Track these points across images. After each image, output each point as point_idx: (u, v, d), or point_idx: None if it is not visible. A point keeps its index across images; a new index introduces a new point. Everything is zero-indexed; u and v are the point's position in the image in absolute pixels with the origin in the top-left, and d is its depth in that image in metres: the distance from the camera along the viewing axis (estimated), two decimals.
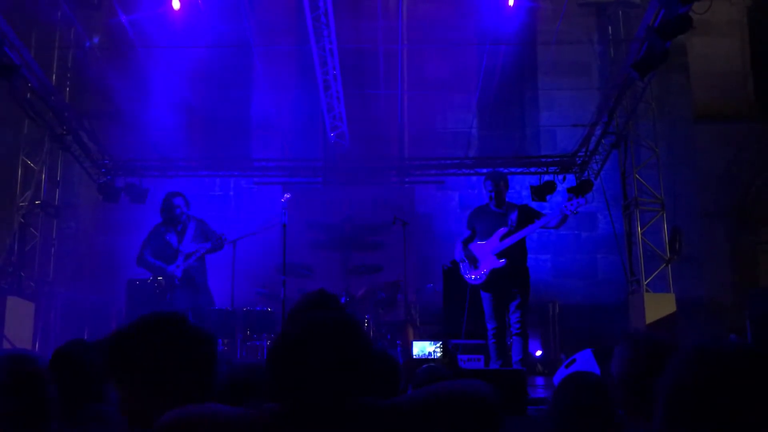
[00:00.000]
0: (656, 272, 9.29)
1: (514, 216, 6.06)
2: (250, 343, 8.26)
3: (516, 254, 6.04)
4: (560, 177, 10.44)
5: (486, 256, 6.07)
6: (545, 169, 10.62)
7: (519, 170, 10.50)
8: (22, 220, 9.66)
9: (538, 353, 9.90)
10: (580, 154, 10.47)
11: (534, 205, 7.92)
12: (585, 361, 5.11)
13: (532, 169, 10.63)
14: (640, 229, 9.46)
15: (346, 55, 10.25)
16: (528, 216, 6.08)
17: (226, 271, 8.36)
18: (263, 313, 8.29)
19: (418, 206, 11.26)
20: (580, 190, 10.13)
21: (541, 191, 10.16)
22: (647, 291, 9.15)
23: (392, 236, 9.99)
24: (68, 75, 10.17)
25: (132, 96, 11.16)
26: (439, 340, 7.90)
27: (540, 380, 8.51)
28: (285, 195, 7.38)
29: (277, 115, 11.52)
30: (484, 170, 10.61)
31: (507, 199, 6.26)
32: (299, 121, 11.75)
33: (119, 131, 11.00)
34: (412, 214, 10.53)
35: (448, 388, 1.61)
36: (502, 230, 6.03)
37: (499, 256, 6.00)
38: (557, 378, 5.67)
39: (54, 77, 9.66)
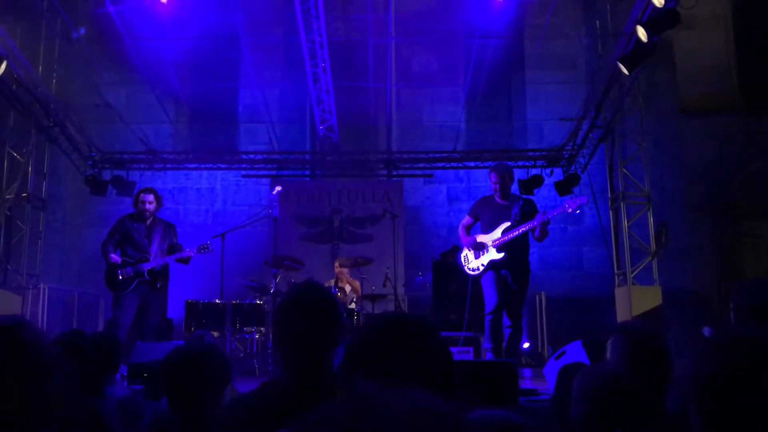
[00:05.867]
0: (642, 265, 9.36)
1: (517, 209, 6.09)
2: (239, 336, 8.26)
3: (517, 248, 6.07)
4: (548, 171, 10.53)
5: (486, 249, 6.10)
6: (533, 162, 10.69)
7: None
8: (9, 213, 9.57)
9: (525, 345, 9.96)
10: (567, 147, 10.55)
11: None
12: (575, 352, 5.16)
13: (520, 163, 10.68)
14: (627, 223, 9.52)
15: (334, 48, 10.24)
16: (532, 209, 6.12)
17: (215, 264, 8.34)
18: (252, 306, 8.26)
19: (407, 199, 11.28)
20: (567, 184, 10.21)
21: (529, 185, 10.25)
22: (633, 284, 9.22)
23: (381, 229, 10.06)
24: (54, 66, 10.05)
25: (119, 88, 11.09)
26: None
27: (527, 372, 8.57)
28: (276, 187, 7.35)
29: (265, 107, 11.49)
30: (472, 164, 10.70)
31: (511, 192, 6.28)
32: (287, 114, 11.73)
33: (106, 124, 10.92)
34: (401, 207, 10.58)
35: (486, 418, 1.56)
36: (505, 223, 6.06)
37: (500, 249, 6.03)
38: (547, 370, 5.73)
39: (40, 68, 9.52)
